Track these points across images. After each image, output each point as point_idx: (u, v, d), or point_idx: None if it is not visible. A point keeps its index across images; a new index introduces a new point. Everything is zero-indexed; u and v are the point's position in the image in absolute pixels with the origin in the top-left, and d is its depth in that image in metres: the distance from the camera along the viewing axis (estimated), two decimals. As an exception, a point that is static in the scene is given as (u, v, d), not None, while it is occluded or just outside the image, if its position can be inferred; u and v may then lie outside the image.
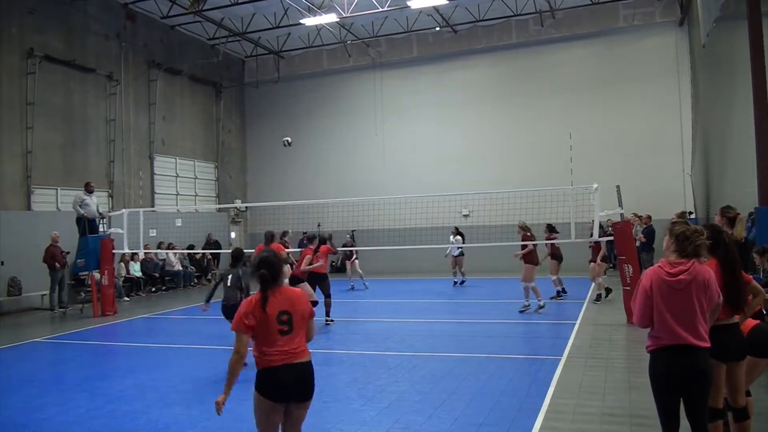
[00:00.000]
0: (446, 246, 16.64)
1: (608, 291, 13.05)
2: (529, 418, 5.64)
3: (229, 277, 8.46)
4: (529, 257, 11.95)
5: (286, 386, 3.89)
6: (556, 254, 13.39)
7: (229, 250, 12.75)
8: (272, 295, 3.95)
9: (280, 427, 4.00)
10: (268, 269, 3.97)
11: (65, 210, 16.28)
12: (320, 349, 9.03)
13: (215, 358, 9.21)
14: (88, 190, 14.40)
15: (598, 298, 12.94)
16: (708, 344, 3.79)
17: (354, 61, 23.74)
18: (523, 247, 12.01)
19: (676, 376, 3.75)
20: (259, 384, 3.90)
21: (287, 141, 14.27)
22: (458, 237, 16.52)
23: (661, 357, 3.81)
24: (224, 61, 23.02)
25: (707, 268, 3.87)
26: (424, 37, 22.77)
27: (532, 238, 12.15)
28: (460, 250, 16.53)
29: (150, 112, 20.45)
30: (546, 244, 13.20)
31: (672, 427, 3.82)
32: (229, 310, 8.42)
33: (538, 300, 11.96)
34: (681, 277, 3.76)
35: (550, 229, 13.37)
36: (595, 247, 12.88)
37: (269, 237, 11.03)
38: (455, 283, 16.95)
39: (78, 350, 10.22)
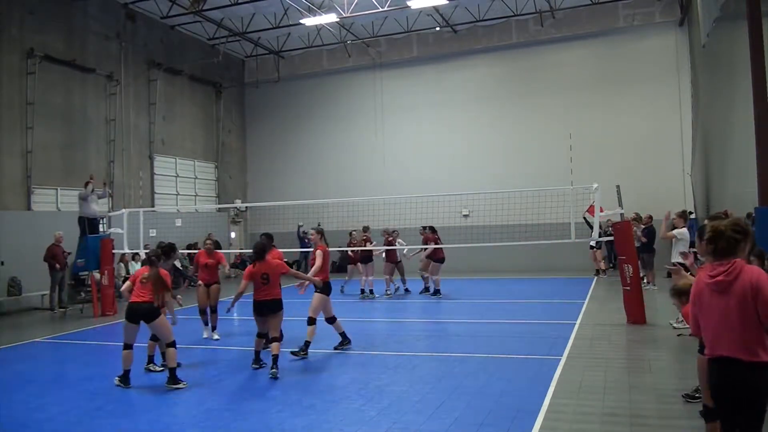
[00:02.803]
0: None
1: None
2: (529, 418, 5.63)
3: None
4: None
5: (260, 309, 7.72)
6: (438, 256, 14.38)
7: (230, 250, 12.75)
8: (262, 263, 7.75)
9: (264, 324, 7.80)
10: (263, 249, 7.89)
11: (65, 210, 16.31)
12: (320, 349, 9.03)
13: (215, 357, 9.21)
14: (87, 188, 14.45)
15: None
16: (763, 359, 3.25)
17: (354, 61, 23.73)
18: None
19: (723, 390, 3.39)
20: (253, 307, 7.77)
21: None
22: (400, 240, 15.68)
23: (711, 368, 3.47)
24: (224, 61, 23.01)
25: (756, 269, 3.35)
26: (424, 37, 22.77)
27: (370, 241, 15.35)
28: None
29: (150, 112, 20.45)
30: (426, 246, 14.56)
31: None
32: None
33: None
34: (719, 278, 3.33)
35: (432, 230, 14.57)
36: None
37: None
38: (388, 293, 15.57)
39: (78, 350, 10.21)
